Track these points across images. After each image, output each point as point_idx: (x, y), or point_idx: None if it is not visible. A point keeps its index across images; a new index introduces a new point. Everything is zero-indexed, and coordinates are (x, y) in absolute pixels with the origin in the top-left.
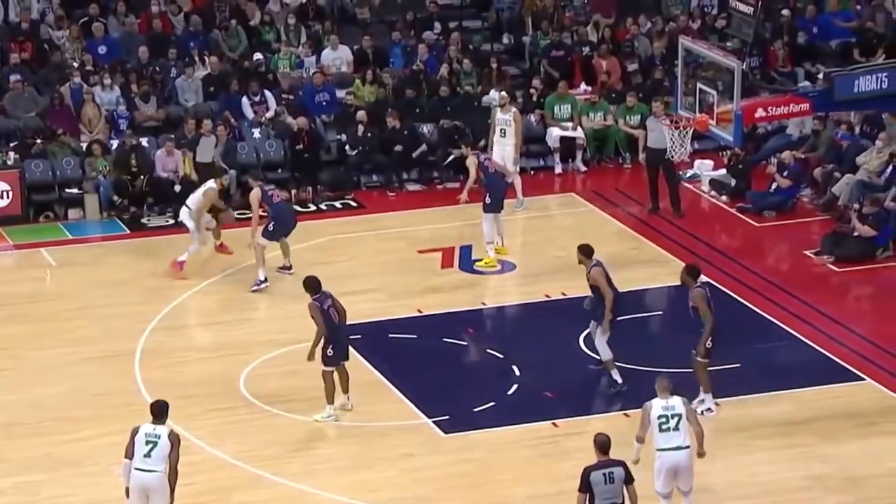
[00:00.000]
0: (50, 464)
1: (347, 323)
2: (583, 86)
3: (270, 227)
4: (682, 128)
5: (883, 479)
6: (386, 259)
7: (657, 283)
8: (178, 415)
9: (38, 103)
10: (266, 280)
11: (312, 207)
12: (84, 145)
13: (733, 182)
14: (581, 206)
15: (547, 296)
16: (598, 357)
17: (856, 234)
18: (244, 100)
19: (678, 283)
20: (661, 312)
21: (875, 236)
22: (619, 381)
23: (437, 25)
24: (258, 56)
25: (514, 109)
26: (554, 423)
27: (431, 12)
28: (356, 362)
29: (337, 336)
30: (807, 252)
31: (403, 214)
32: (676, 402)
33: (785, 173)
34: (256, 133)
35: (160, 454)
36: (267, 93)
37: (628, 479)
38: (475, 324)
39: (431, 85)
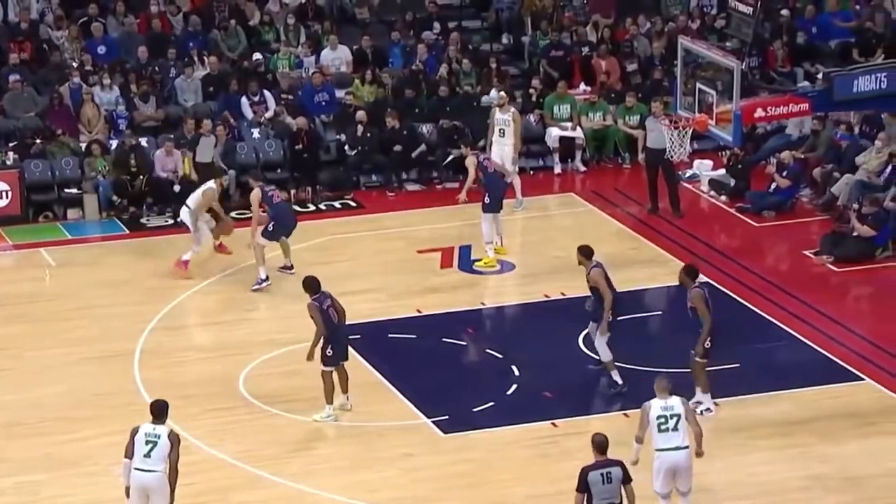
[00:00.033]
0: (49, 464)
1: (347, 323)
2: (582, 86)
3: (270, 228)
4: (681, 128)
5: (882, 479)
6: (385, 259)
7: (656, 283)
8: (178, 415)
9: (38, 103)
10: (267, 279)
11: (312, 207)
12: (83, 145)
13: (732, 182)
14: (580, 206)
15: (546, 296)
16: (597, 357)
17: (855, 234)
18: (243, 100)
19: (677, 283)
20: (660, 312)
21: (874, 236)
22: (620, 382)
23: (437, 25)
24: (257, 56)
25: (512, 109)
26: (553, 423)
27: (431, 12)
28: (355, 362)
29: (336, 336)
30: (806, 252)
31: (403, 214)
32: (675, 403)
33: (784, 173)
34: (256, 133)
35: (160, 454)
36: (266, 93)
37: (626, 479)
38: (474, 324)
39: (431, 85)
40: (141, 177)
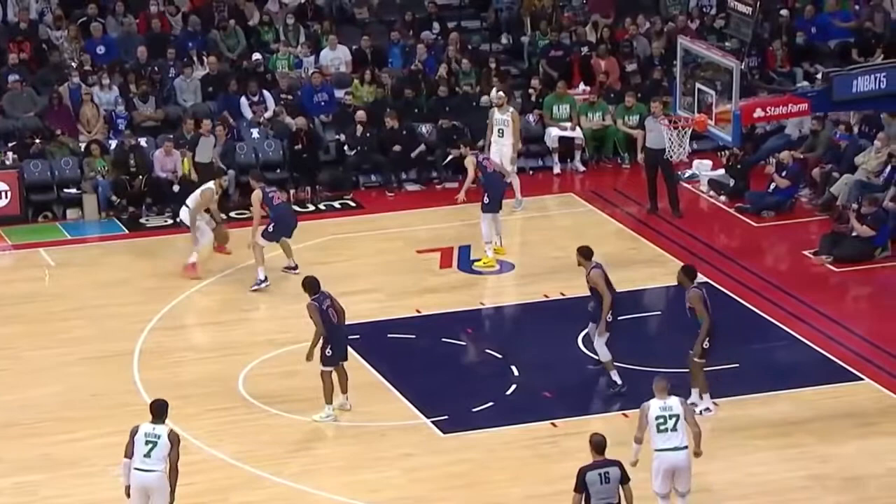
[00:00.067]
0: (47, 464)
1: (346, 323)
2: (581, 86)
3: (270, 229)
4: (680, 128)
5: (882, 479)
6: (385, 259)
7: (656, 284)
8: (177, 415)
9: (37, 103)
10: (266, 279)
11: (311, 207)
12: (82, 145)
13: (732, 182)
14: (580, 207)
15: (545, 296)
16: (596, 357)
17: (854, 234)
18: (243, 100)
19: (676, 283)
20: (659, 312)
21: (873, 236)
22: (619, 382)
23: (436, 25)
24: (257, 56)
25: (511, 109)
26: (553, 424)
27: (430, 12)
28: (355, 362)
29: (335, 336)
30: (805, 252)
31: (402, 214)
32: (674, 403)
33: (783, 173)
34: (255, 133)
35: (160, 454)
36: (266, 93)
37: (624, 479)
38: (474, 324)
39: (430, 85)
40: (140, 177)
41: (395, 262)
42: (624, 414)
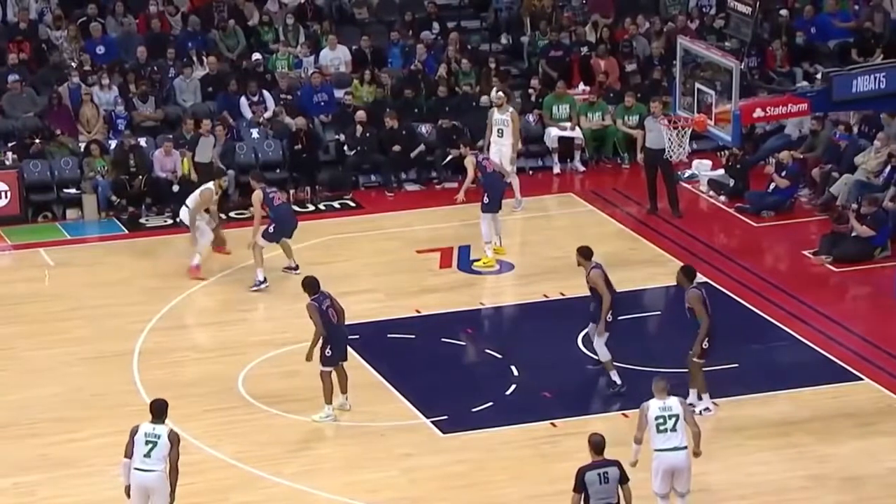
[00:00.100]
0: (46, 464)
1: (346, 323)
2: (581, 86)
3: (271, 230)
4: (680, 128)
5: (881, 478)
6: (384, 259)
7: (655, 284)
8: (176, 415)
9: (37, 103)
10: (265, 280)
11: (311, 207)
12: (82, 145)
13: (732, 182)
14: (579, 207)
15: (545, 296)
16: (596, 357)
17: (854, 234)
18: (242, 100)
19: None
20: (659, 312)
21: (873, 236)
22: (619, 382)
23: (436, 26)
24: (256, 56)
25: (510, 109)
26: (552, 424)
27: (430, 12)
28: (354, 362)
29: (335, 336)
30: (805, 252)
31: (402, 214)
32: (674, 403)
33: (783, 173)
34: (255, 133)
35: (160, 454)
36: (265, 93)
37: (623, 479)
38: (473, 324)
39: (430, 85)
40: (140, 177)
41: (394, 262)
42: (624, 414)
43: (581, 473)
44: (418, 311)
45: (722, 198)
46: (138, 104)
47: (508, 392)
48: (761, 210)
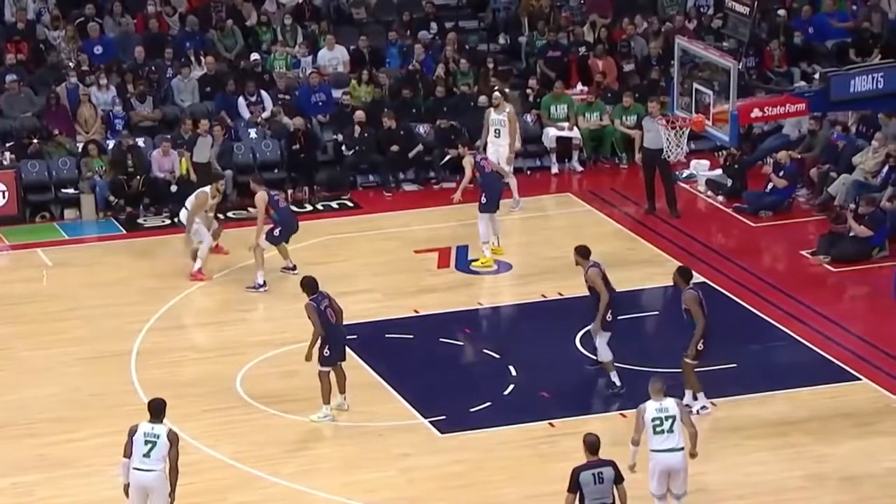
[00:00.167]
0: (45, 465)
1: (344, 323)
2: (579, 86)
3: (276, 232)
4: (678, 128)
5: (879, 478)
6: (382, 259)
7: (653, 284)
8: (175, 415)
9: (35, 103)
10: (265, 284)
11: (309, 207)
12: (80, 145)
13: (729, 182)
14: (577, 207)
15: (543, 296)
16: (594, 357)
17: (852, 234)
18: (240, 100)
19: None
20: (656, 313)
21: (871, 236)
22: (618, 383)
23: (434, 26)
24: (254, 56)
25: (508, 109)
26: (550, 424)
27: (428, 12)
28: (353, 362)
29: (334, 336)
30: (803, 252)
31: (400, 214)
32: (670, 404)
33: (781, 173)
34: (253, 133)
35: (159, 453)
36: (263, 93)
37: (618, 479)
38: (471, 324)
39: (428, 85)
40: (138, 177)
41: (392, 262)
42: (622, 414)
43: (576, 473)
44: (416, 312)
45: (720, 198)
46: (136, 104)
47: (506, 392)
48: (759, 210)
